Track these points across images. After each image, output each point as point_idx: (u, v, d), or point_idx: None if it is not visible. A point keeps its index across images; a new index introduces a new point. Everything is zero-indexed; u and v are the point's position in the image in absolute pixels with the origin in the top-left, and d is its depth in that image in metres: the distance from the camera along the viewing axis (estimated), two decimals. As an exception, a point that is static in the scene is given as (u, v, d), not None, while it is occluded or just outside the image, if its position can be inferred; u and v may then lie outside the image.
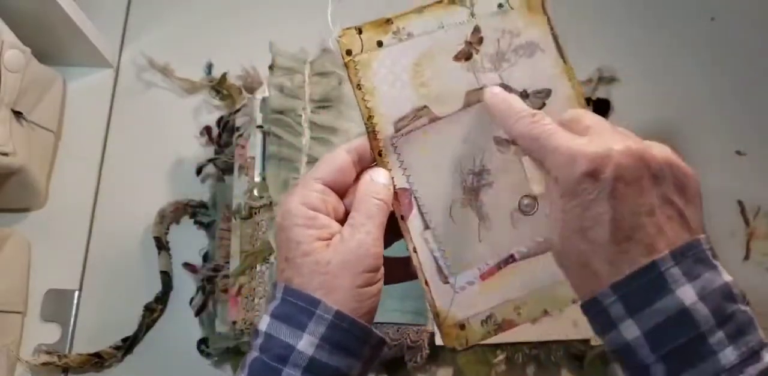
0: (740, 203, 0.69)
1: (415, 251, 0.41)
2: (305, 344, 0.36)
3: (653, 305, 0.32)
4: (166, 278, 0.65)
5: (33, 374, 0.62)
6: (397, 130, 0.41)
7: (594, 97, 0.71)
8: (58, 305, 0.65)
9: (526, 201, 0.42)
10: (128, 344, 0.63)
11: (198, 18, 0.76)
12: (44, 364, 0.61)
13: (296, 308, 0.37)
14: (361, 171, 0.40)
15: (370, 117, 0.41)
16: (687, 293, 0.32)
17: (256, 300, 0.55)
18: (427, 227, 0.41)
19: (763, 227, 0.68)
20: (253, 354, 0.37)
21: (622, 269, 0.33)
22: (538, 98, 0.41)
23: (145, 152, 0.71)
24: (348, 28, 0.41)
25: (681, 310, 0.32)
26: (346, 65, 0.41)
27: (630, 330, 0.33)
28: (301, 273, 0.37)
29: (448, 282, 0.41)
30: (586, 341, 0.61)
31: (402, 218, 0.41)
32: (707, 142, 0.70)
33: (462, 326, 0.41)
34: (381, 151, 0.41)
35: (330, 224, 0.38)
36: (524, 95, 0.41)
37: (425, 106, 0.41)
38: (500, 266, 0.42)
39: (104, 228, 0.68)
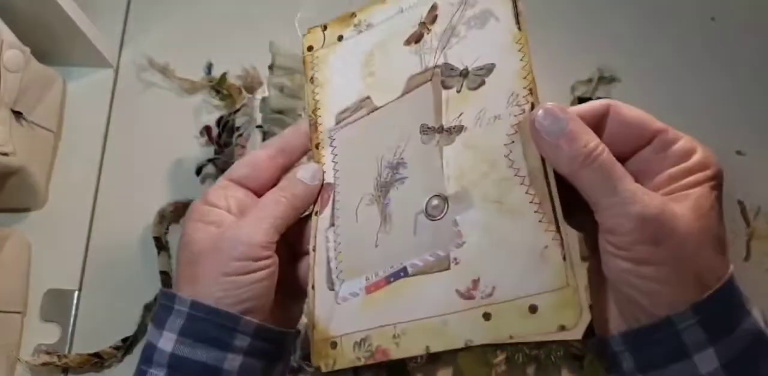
0: (740, 202, 0.68)
1: (314, 250, 0.37)
2: (165, 341, 0.34)
3: (735, 329, 0.28)
4: (166, 277, 0.65)
5: (33, 375, 0.62)
6: (337, 123, 0.38)
7: (594, 97, 0.71)
8: (58, 305, 0.65)
9: (434, 202, 0.33)
10: (128, 344, 0.63)
11: (198, 18, 0.76)
12: (44, 364, 0.61)
13: (161, 307, 0.36)
14: (288, 166, 0.39)
15: (315, 109, 0.39)
16: (757, 315, 0.29)
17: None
18: (332, 224, 0.37)
19: (764, 226, 0.68)
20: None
21: (709, 283, 0.28)
22: (478, 76, 0.34)
23: (145, 152, 0.70)
24: (315, 27, 0.40)
25: (759, 333, 0.28)
26: (303, 61, 0.40)
27: (707, 361, 0.28)
28: (179, 268, 0.36)
29: (333, 289, 0.36)
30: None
31: (316, 213, 0.38)
32: (707, 143, 0.69)
33: (334, 345, 0.35)
34: (319, 143, 0.38)
35: (223, 219, 0.37)
36: (464, 74, 0.35)
37: (368, 97, 0.38)
38: (390, 279, 0.34)
39: (104, 228, 0.68)
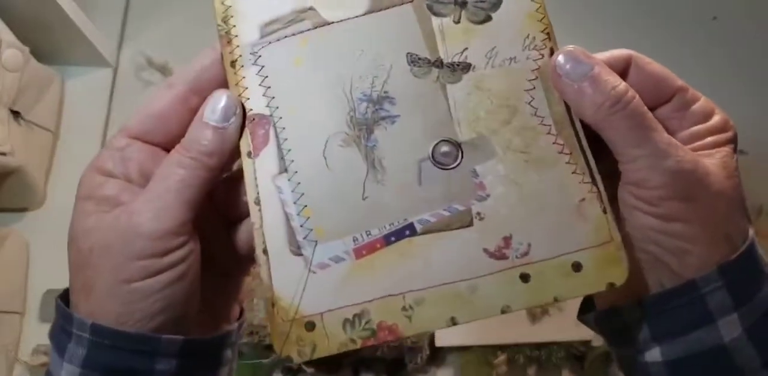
0: (741, 202, 0.68)
1: (258, 203, 0.28)
2: (67, 375, 0.27)
3: (756, 295, 0.27)
4: (165, 278, 0.65)
5: (31, 375, 0.62)
6: (263, 36, 0.30)
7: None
8: (57, 306, 0.65)
9: (444, 148, 0.29)
10: (127, 345, 0.63)
11: (197, 17, 0.76)
12: (43, 364, 0.61)
13: (59, 328, 0.27)
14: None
15: (226, 18, 0.31)
16: None
17: (255, 300, 0.55)
18: (284, 170, 0.28)
19: (764, 226, 0.68)
20: None
21: (737, 244, 0.27)
22: (481, 9, 0.30)
23: (144, 152, 0.70)
24: None
25: None
26: None
27: (731, 327, 0.26)
28: (70, 271, 0.28)
29: (300, 254, 0.28)
30: (587, 342, 0.61)
31: (249, 154, 0.29)
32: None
33: (311, 326, 0.27)
34: (235, 61, 0.29)
35: (120, 194, 0.27)
36: (460, 3, 0.30)
37: (311, 7, 0.30)
38: (389, 239, 0.28)
39: (103, 228, 0.68)
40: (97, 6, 0.73)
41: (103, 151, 0.28)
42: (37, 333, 0.63)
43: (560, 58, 0.28)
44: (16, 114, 0.63)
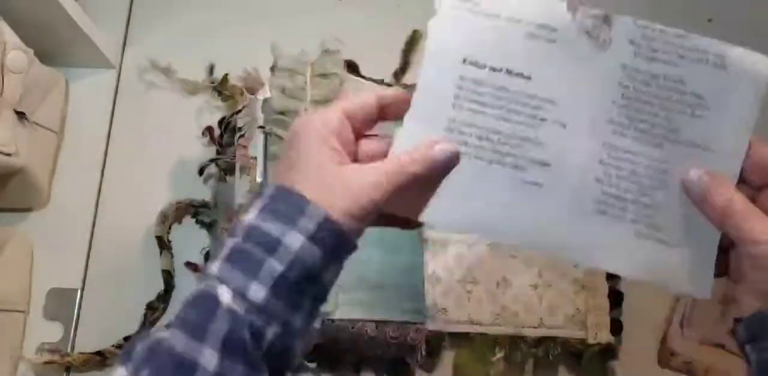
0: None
1: None
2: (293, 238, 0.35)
3: None
4: (168, 277, 0.66)
5: (35, 373, 0.63)
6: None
7: (592, 98, 0.72)
8: (61, 304, 0.65)
9: None
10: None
11: (200, 19, 0.77)
12: (47, 363, 0.61)
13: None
14: (378, 119, 0.40)
15: None
16: None
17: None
18: None
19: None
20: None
21: None
22: None
23: (148, 153, 0.71)
24: None
25: None
26: None
27: None
28: (308, 180, 0.36)
29: None
30: (583, 340, 0.61)
31: None
32: (704, 143, 0.71)
33: None
34: None
35: (341, 151, 0.38)
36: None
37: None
38: None
39: (106, 228, 0.69)
40: (100, 8, 0.74)
41: (331, 114, 0.38)
42: (41, 332, 0.64)
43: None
44: (20, 115, 0.64)
